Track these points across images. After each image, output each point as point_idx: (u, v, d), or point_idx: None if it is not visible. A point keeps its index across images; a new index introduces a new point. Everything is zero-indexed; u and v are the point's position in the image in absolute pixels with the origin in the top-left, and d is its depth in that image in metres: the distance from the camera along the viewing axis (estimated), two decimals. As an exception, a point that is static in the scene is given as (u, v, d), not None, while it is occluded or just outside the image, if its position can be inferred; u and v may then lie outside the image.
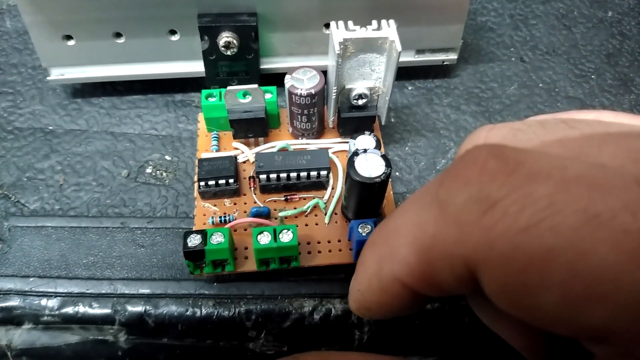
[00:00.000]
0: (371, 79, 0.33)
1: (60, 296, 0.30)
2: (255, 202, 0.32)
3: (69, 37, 0.35)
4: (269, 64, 0.38)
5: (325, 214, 0.32)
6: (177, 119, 0.38)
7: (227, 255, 0.28)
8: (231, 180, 0.32)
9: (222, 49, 0.35)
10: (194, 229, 0.31)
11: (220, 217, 0.31)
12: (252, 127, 0.34)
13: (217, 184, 0.32)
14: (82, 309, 0.30)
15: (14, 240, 0.32)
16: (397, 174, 0.36)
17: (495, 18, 0.46)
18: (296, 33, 0.37)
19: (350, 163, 0.28)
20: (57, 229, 0.33)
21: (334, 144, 0.35)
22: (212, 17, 0.34)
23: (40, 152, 0.36)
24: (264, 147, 0.34)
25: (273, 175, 0.32)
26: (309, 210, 0.32)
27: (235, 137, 0.34)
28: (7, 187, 0.34)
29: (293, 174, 0.32)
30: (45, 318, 0.30)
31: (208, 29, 0.34)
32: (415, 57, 0.40)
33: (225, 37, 0.34)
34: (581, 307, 0.14)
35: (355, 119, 0.34)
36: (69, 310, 0.30)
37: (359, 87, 0.33)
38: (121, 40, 0.36)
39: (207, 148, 0.35)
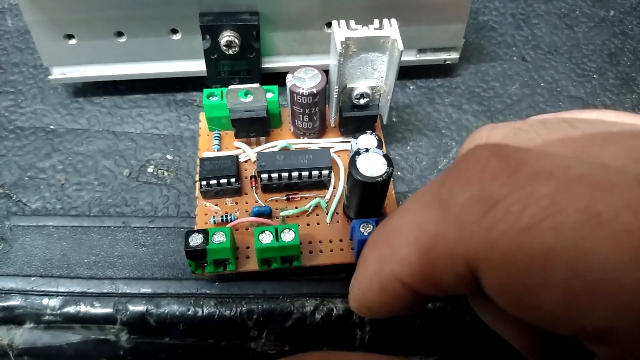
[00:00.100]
0: (373, 78, 0.33)
1: (61, 295, 0.30)
2: (256, 202, 0.32)
3: (70, 36, 0.35)
4: (271, 63, 0.38)
5: (327, 214, 0.32)
6: (179, 118, 0.38)
7: (229, 254, 0.28)
8: (233, 180, 0.32)
9: (224, 48, 0.35)
10: (195, 229, 0.31)
11: (222, 216, 0.31)
12: (254, 127, 0.34)
13: (218, 184, 0.32)
14: (83, 308, 0.30)
15: (16, 239, 0.32)
16: (398, 173, 0.36)
17: (497, 17, 0.46)
18: (298, 32, 0.37)
19: (352, 162, 0.28)
20: (58, 229, 0.33)
21: (335, 144, 0.35)
22: (214, 16, 0.34)
23: (42, 152, 0.36)
24: (266, 147, 0.34)
25: (274, 175, 0.32)
26: (310, 210, 0.32)
27: (236, 136, 0.34)
28: (9, 187, 0.34)
29: (294, 174, 0.32)
30: (47, 317, 0.30)
31: (209, 28, 0.34)
32: (417, 56, 0.40)
33: (226, 36, 0.34)
34: (582, 307, 0.14)
35: (356, 118, 0.34)
36: (71, 309, 0.30)
37: (360, 86, 0.33)
38: (123, 40, 0.36)
39: (208, 147, 0.35)
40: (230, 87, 0.32)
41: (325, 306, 0.31)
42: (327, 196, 0.33)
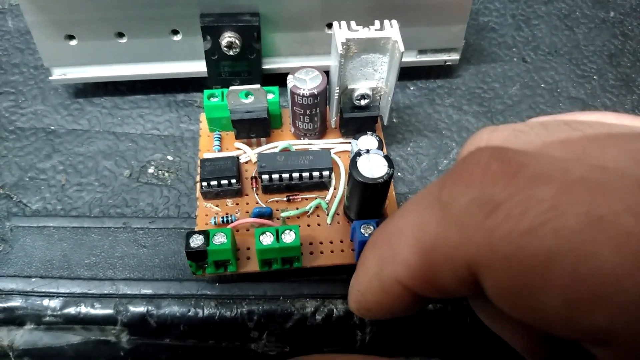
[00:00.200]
0: (373, 79, 0.33)
1: (62, 296, 0.31)
2: (257, 203, 0.32)
3: (71, 37, 0.35)
4: (272, 64, 0.38)
5: (328, 215, 0.32)
6: (179, 119, 0.38)
7: (230, 255, 0.28)
8: (233, 181, 0.32)
9: (225, 49, 0.35)
10: (196, 230, 0.31)
11: (223, 217, 0.31)
12: (255, 128, 0.34)
13: (219, 184, 0.32)
14: (84, 309, 0.30)
15: (16, 240, 0.32)
16: (399, 174, 0.36)
17: (498, 18, 0.46)
18: (298, 33, 0.37)
19: (353, 163, 0.28)
20: (59, 229, 0.33)
21: (336, 145, 0.35)
22: (215, 17, 0.34)
23: (42, 152, 0.36)
24: (266, 148, 0.34)
25: (275, 176, 0.32)
26: (311, 211, 0.32)
27: (237, 137, 0.34)
28: (9, 187, 0.34)
29: (295, 175, 0.32)
30: (48, 318, 0.30)
31: (210, 28, 0.34)
32: (418, 57, 0.40)
33: (227, 37, 0.34)
34: (583, 310, 0.14)
35: (357, 119, 0.34)
36: (71, 310, 0.30)
37: (361, 87, 0.33)
38: (123, 40, 0.36)
39: (209, 148, 0.35)
40: (231, 88, 0.32)
41: (326, 307, 0.31)
42: (328, 197, 0.33)
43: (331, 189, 0.33)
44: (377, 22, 0.30)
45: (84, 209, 0.34)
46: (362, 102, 0.33)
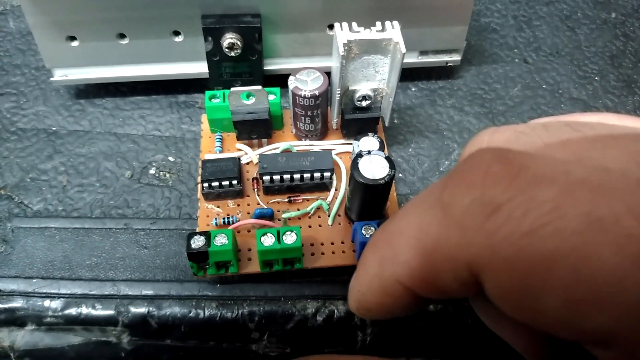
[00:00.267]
0: (375, 80, 0.33)
1: (63, 297, 0.31)
2: (258, 204, 0.32)
3: (72, 38, 0.35)
4: (273, 65, 0.38)
5: (329, 216, 0.32)
6: (181, 120, 0.38)
7: (231, 256, 0.28)
8: (235, 182, 0.32)
9: (226, 50, 0.35)
10: (197, 231, 0.31)
11: (224, 218, 0.31)
12: (256, 129, 0.34)
13: (220, 185, 0.32)
14: (85, 310, 0.30)
15: (17, 241, 0.32)
16: (400, 175, 0.36)
17: (499, 19, 0.46)
18: (300, 34, 0.37)
19: (354, 165, 0.28)
20: (60, 230, 0.33)
21: (337, 146, 0.35)
22: (216, 18, 0.34)
23: (44, 153, 0.36)
24: (268, 149, 0.34)
25: (276, 177, 0.32)
26: (312, 212, 0.32)
27: (238, 138, 0.34)
28: (11, 188, 0.34)
29: (296, 176, 0.32)
30: (49, 319, 0.30)
31: (212, 30, 0.35)
32: (419, 58, 0.40)
33: (229, 38, 0.34)
34: (584, 311, 0.14)
35: (358, 121, 0.34)
36: (72, 311, 0.30)
37: (362, 88, 0.33)
38: (125, 41, 0.36)
39: (210, 149, 0.35)
40: (233, 89, 0.32)
41: (327, 308, 0.31)
42: (329, 198, 0.33)
43: (332, 190, 0.33)
44: (378, 24, 0.30)
45: (85, 209, 0.34)
46: (364, 103, 0.33)
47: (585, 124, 0.19)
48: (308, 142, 0.35)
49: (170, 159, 0.36)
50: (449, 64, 0.40)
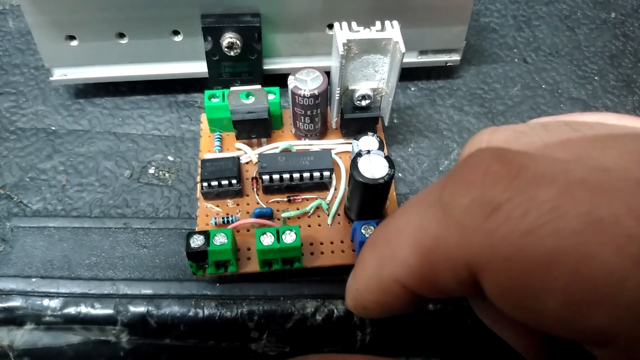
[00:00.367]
0: (374, 80, 0.33)
1: (62, 296, 0.31)
2: (258, 203, 0.32)
3: (71, 38, 0.35)
4: (272, 65, 0.38)
5: (328, 215, 0.32)
6: (180, 119, 0.38)
7: (230, 256, 0.28)
8: (234, 181, 0.32)
9: (225, 49, 0.35)
10: (196, 230, 0.31)
11: (223, 217, 0.31)
12: (255, 128, 0.34)
13: (219, 185, 0.32)
14: (84, 309, 0.30)
15: (17, 240, 0.32)
16: (400, 175, 0.36)
17: (499, 19, 0.46)
18: (299, 34, 0.37)
19: (354, 164, 0.28)
20: (59, 230, 0.33)
21: (337, 145, 0.35)
22: (216, 18, 0.34)
23: (43, 153, 0.36)
24: (267, 148, 0.34)
25: (276, 176, 0.32)
26: (311, 211, 0.32)
27: (238, 137, 0.34)
28: (10, 188, 0.34)
29: (296, 175, 0.32)
30: (48, 318, 0.30)
31: (211, 29, 0.34)
32: (418, 58, 0.40)
33: (228, 38, 0.34)
34: (584, 311, 0.14)
35: (358, 120, 0.34)
36: (71, 310, 0.30)
37: (362, 88, 0.33)
38: (124, 41, 0.36)
39: (209, 149, 0.35)
40: (232, 88, 0.32)
41: (326, 307, 0.31)
42: (329, 198, 0.33)
43: (332, 190, 0.33)
44: (378, 23, 0.30)
45: (85, 209, 0.34)
46: (363, 103, 0.33)
47: (584, 124, 0.19)
48: (307, 141, 0.35)
49: (170, 158, 0.36)
50: (448, 64, 0.40)
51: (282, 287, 0.31)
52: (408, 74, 0.41)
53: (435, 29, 0.38)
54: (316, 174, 0.32)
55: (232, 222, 0.31)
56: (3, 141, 0.36)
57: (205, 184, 0.31)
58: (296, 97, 0.32)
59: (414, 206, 0.19)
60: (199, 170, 0.32)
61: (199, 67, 0.37)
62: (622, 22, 0.47)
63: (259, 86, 0.33)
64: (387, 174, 0.28)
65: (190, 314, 0.30)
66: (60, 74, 0.37)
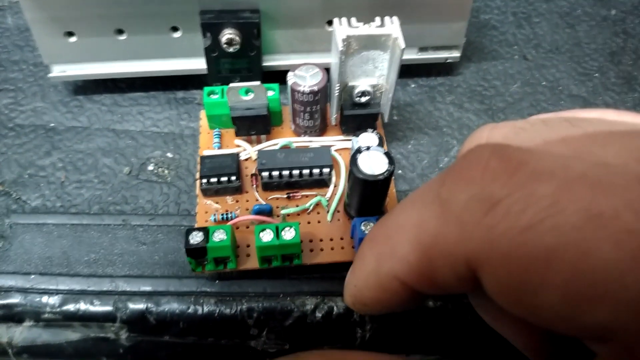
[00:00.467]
0: (374, 76, 0.33)
1: (61, 293, 0.30)
2: (257, 200, 0.32)
3: (70, 34, 0.35)
4: (272, 61, 0.38)
5: (328, 212, 0.32)
6: (179, 116, 0.38)
7: (229, 252, 0.28)
8: (233, 178, 0.32)
9: (225, 46, 0.35)
10: (195, 227, 0.31)
11: (222, 214, 0.31)
12: (255, 125, 0.34)
13: (219, 181, 0.31)
14: (83, 306, 0.30)
15: (15, 237, 0.32)
16: (399, 171, 0.36)
17: (499, 16, 0.46)
18: (299, 30, 0.37)
19: (353, 160, 0.28)
20: (58, 226, 0.33)
21: (336, 142, 0.35)
22: (215, 14, 0.34)
23: (42, 149, 0.36)
24: (266, 145, 0.34)
25: (275, 173, 0.32)
26: (311, 208, 0.32)
27: (237, 134, 0.34)
28: (9, 184, 0.34)
29: (295, 172, 0.32)
30: (47, 315, 0.30)
31: (210, 25, 0.34)
32: (418, 54, 0.39)
33: (227, 34, 0.34)
34: (583, 306, 0.14)
35: (358, 117, 0.34)
36: (70, 307, 0.30)
37: (361, 84, 0.33)
38: (123, 37, 0.36)
39: (209, 145, 0.35)
40: (231, 85, 0.32)
41: (326, 304, 0.31)
42: (328, 194, 0.33)
43: (331, 186, 0.33)
44: (377, 19, 0.30)
45: (84, 206, 0.34)
46: (363, 99, 0.33)
47: (584, 120, 0.19)
48: (307, 138, 0.35)
49: (169, 155, 0.36)
50: (448, 61, 0.40)
51: (282, 284, 0.31)
52: (408, 71, 0.40)
53: (435, 26, 0.38)
54: (316, 171, 0.32)
55: (232, 218, 0.31)
56: (2, 138, 0.36)
57: (204, 180, 0.31)
58: (295, 93, 0.32)
59: (413, 202, 0.19)
60: (198, 167, 0.32)
61: (198, 64, 0.37)
62: (623, 19, 0.46)
63: (258, 82, 0.33)
64: (387, 170, 0.28)
65: (190, 311, 0.30)
66: (59, 71, 0.37)
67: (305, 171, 0.32)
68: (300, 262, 0.30)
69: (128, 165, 0.35)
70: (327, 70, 0.33)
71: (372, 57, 0.31)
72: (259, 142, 0.35)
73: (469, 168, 0.16)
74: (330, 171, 0.32)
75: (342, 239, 0.31)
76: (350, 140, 0.33)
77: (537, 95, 0.41)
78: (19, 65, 0.40)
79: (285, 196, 0.32)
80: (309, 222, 0.32)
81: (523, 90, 0.41)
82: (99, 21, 0.34)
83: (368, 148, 0.28)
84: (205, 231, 0.28)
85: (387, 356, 0.23)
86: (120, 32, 0.35)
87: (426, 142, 0.38)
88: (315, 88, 0.32)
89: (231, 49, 0.35)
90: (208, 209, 0.32)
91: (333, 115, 0.35)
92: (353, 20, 0.30)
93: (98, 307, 0.30)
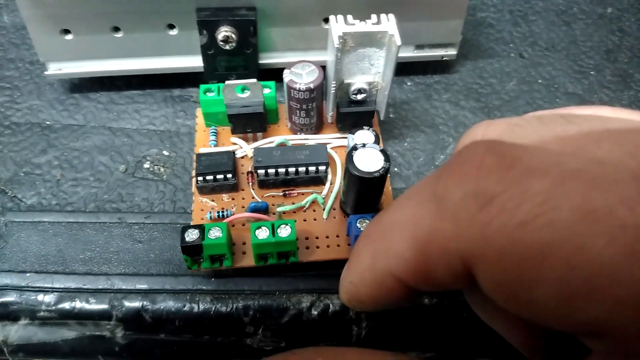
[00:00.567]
0: (370, 73, 0.33)
1: (57, 291, 0.30)
2: (253, 197, 0.32)
3: (66, 32, 0.35)
4: (268, 59, 0.38)
5: (324, 209, 0.32)
6: (175, 114, 0.38)
7: (225, 250, 0.28)
8: (229, 175, 0.32)
9: (221, 43, 0.35)
10: (191, 224, 0.31)
11: (218, 212, 0.31)
12: (251, 122, 0.34)
13: (215, 179, 0.31)
14: (79, 304, 0.30)
15: (11, 235, 0.32)
16: (395, 169, 0.36)
17: (495, 14, 0.46)
18: (295, 28, 0.37)
19: (349, 158, 0.28)
20: (54, 224, 0.33)
21: (332, 139, 0.35)
22: (211, 11, 0.34)
23: (38, 147, 0.36)
24: (263, 142, 0.34)
25: (271, 171, 0.32)
26: (307, 206, 0.32)
27: (233, 132, 0.34)
28: (4, 182, 0.34)
29: (291, 169, 0.32)
30: (42, 313, 0.30)
31: (207, 23, 0.34)
32: (415, 52, 0.39)
33: (224, 32, 0.34)
34: (578, 303, 0.14)
35: (354, 114, 0.34)
36: (66, 305, 0.30)
37: (358, 81, 0.33)
38: (119, 35, 0.36)
39: (205, 143, 0.35)
40: (227, 82, 0.32)
41: (322, 302, 0.31)
42: (324, 192, 0.33)
43: (327, 184, 0.33)
44: (373, 16, 0.30)
45: (79, 204, 0.33)
46: (359, 97, 0.33)
47: (579, 117, 0.19)
48: (303, 135, 0.35)
49: (165, 153, 0.36)
50: (444, 58, 0.40)
51: (278, 282, 0.31)
52: (404, 69, 0.41)
53: (431, 23, 0.38)
54: (312, 168, 0.32)
55: (228, 216, 0.31)
56: (-3, 136, 0.36)
57: (200, 178, 0.31)
58: (292, 91, 0.32)
59: (409, 199, 0.19)
60: (194, 165, 0.32)
61: (194, 61, 0.37)
62: (619, 17, 0.46)
63: (254, 80, 0.33)
64: (383, 167, 0.28)
65: (186, 308, 0.30)
66: (55, 68, 0.37)
67: (301, 169, 0.32)
68: (296, 259, 0.30)
69: (124, 163, 0.35)
70: (323, 67, 0.33)
71: (368, 55, 0.31)
72: (255, 139, 0.35)
73: (464, 164, 0.16)
74: (327, 169, 0.32)
75: (338, 236, 0.31)
76: (346, 137, 0.33)
77: (533, 93, 0.41)
78: (15, 63, 0.40)
79: (281, 194, 0.32)
80: (304, 220, 0.32)
81: (519, 88, 0.41)
82: (95, 19, 0.34)
83: (364, 145, 0.28)
84: (201, 229, 0.28)
85: (382, 353, 0.23)
86: (116, 29, 0.35)
87: (422, 140, 0.38)
88: (312, 86, 0.32)
89: (227, 47, 0.35)
90: (204, 206, 0.32)
91: (329, 113, 0.34)
92: (349, 17, 0.30)
93: (94, 305, 0.30)
